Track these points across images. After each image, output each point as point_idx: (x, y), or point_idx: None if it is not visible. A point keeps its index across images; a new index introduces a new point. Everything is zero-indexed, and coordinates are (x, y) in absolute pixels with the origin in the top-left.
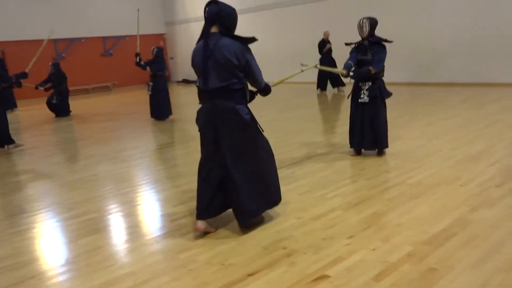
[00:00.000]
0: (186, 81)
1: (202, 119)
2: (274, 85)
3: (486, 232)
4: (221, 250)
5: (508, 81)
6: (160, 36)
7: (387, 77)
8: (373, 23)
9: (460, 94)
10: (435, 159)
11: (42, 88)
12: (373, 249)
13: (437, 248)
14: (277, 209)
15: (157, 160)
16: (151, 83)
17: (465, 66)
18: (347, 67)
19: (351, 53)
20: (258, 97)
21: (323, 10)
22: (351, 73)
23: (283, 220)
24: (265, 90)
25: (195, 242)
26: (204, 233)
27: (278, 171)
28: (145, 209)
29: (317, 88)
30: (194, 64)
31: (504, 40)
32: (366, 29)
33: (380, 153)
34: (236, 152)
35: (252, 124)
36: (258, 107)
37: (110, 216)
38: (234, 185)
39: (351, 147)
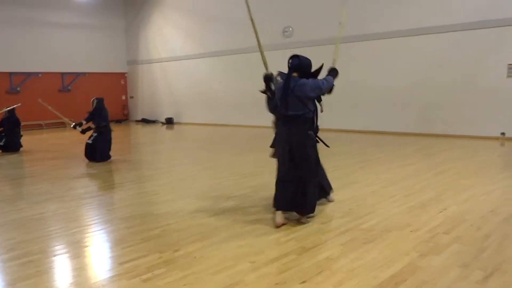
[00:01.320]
0: (145, 121)
1: (280, 139)
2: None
3: (434, 278)
4: None
5: (456, 133)
6: (121, 75)
7: (350, 125)
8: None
9: (413, 143)
10: (388, 205)
11: None
12: None
13: None
14: (230, 252)
15: (109, 200)
16: (94, 134)
17: (418, 118)
18: None
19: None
20: (216, 138)
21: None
22: None
23: (236, 263)
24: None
25: (143, 286)
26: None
27: (234, 214)
28: (93, 250)
29: None
30: (277, 97)
31: (453, 95)
32: None
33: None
34: (305, 162)
35: (315, 144)
36: (216, 148)
37: (54, 258)
38: (303, 187)
39: None
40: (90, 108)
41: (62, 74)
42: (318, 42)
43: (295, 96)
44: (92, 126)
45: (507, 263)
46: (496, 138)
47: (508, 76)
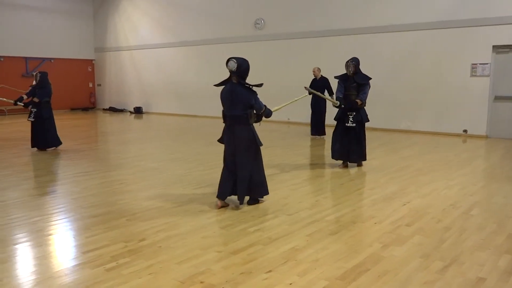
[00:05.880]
0: (113, 109)
1: None
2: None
3: (396, 268)
4: (135, 285)
5: (420, 129)
6: (89, 62)
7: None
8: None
9: (379, 139)
10: (354, 197)
11: None
12: (290, 284)
13: (350, 283)
14: (196, 242)
15: (73, 189)
16: (34, 110)
17: (384, 114)
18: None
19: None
20: (186, 129)
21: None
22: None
23: (203, 253)
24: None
25: (107, 275)
26: None
27: (201, 205)
28: (56, 239)
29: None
30: None
31: (418, 93)
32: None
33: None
34: None
35: None
36: (185, 139)
37: (16, 246)
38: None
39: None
40: (59, 92)
41: (26, 58)
42: (290, 35)
43: None
44: (36, 100)
45: (465, 254)
46: (459, 135)
47: (472, 76)
